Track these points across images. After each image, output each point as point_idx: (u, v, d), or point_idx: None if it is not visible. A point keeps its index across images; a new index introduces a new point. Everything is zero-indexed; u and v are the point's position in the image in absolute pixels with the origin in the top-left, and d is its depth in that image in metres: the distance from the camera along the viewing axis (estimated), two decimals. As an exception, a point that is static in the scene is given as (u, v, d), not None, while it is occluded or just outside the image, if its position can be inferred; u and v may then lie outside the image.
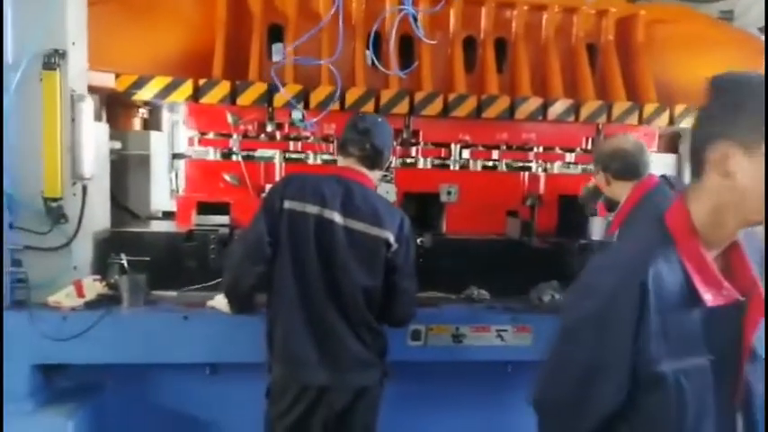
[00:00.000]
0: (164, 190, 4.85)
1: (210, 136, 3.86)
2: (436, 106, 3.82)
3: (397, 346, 3.09)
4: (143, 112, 4.77)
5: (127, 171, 4.46)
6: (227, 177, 3.73)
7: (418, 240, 3.65)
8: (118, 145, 4.30)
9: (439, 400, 3.55)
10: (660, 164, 4.94)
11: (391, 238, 2.62)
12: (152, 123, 4.91)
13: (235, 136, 3.83)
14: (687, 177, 5.12)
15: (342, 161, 2.80)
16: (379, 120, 2.81)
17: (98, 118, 4.30)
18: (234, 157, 3.85)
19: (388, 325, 2.79)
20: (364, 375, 2.69)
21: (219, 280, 3.45)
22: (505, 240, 3.88)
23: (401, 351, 3.18)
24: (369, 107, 3.72)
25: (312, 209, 2.61)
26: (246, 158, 3.86)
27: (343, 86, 3.68)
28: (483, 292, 3.65)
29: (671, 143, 5.18)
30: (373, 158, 2.74)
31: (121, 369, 3.24)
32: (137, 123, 4.74)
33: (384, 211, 2.66)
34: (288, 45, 3.85)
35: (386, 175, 3.86)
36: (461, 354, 3.31)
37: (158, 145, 4.68)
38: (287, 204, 2.63)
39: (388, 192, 3.78)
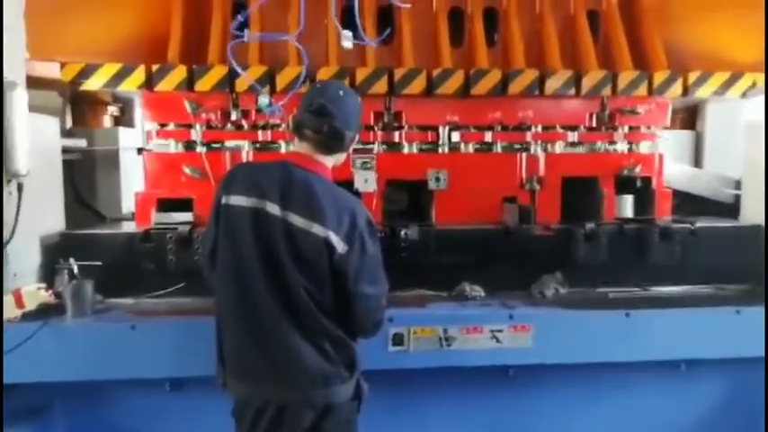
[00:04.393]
0: (137, 189, 4.55)
1: (171, 127, 3.52)
2: (419, 84, 3.44)
3: (376, 353, 2.74)
4: (113, 109, 4.47)
5: (94, 170, 4.17)
6: (187, 170, 3.38)
7: (402, 233, 3.28)
8: (82, 143, 4.02)
9: (430, 412, 3.14)
10: (676, 142, 4.54)
11: (334, 239, 2.17)
12: (125, 122, 4.61)
13: (197, 126, 3.48)
14: (707, 157, 4.74)
15: (296, 144, 2.41)
16: (341, 93, 2.36)
17: (62, 116, 4.03)
18: (198, 148, 3.50)
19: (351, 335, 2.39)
20: (328, 392, 2.29)
21: (183, 285, 3.14)
22: (502, 229, 3.47)
23: (381, 358, 2.82)
24: (342, 87, 3.34)
25: (249, 201, 2.24)
26: (212, 149, 3.51)
27: (313, 65, 3.30)
28: (477, 288, 3.24)
29: (688, 120, 4.75)
30: (330, 142, 2.33)
31: (71, 387, 2.89)
32: (107, 122, 4.44)
33: (329, 204, 2.20)
34: (252, 24, 3.48)
35: (365, 162, 3.49)
36: (451, 359, 2.90)
37: (129, 142, 4.37)
38: (224, 200, 2.29)
39: (368, 180, 3.41)
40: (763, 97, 3.86)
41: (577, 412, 3.21)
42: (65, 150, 3.62)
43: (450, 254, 3.35)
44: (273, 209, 2.22)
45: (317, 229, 2.18)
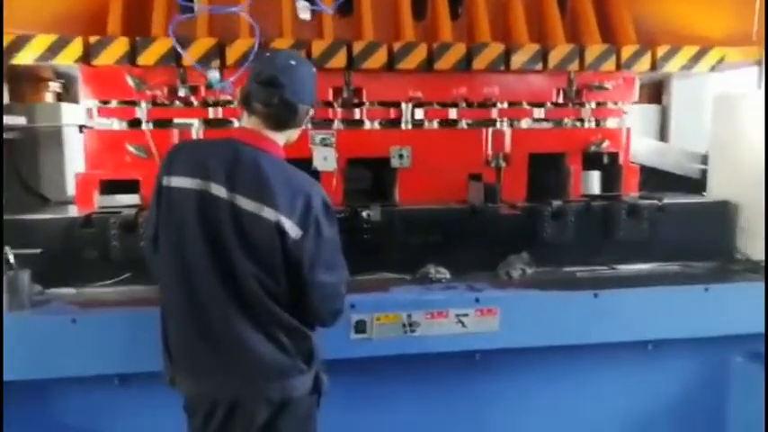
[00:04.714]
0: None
1: (114, 105, 3.28)
2: (379, 58, 3.26)
3: (338, 341, 2.62)
4: (54, 85, 4.17)
5: (36, 150, 3.89)
6: (131, 149, 3.16)
7: (364, 214, 3.13)
8: (21, 120, 3.73)
9: (396, 400, 3.01)
10: (642, 117, 4.47)
11: (286, 223, 2.02)
12: (68, 101, 4.32)
13: (143, 104, 3.25)
14: (672, 131, 4.68)
15: (245, 119, 2.23)
16: (292, 62, 2.18)
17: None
18: (143, 126, 3.28)
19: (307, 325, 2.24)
20: (285, 385, 2.15)
21: (128, 275, 2.94)
22: (467, 208, 3.34)
23: (343, 347, 2.69)
24: (298, 60, 3.14)
25: (193, 183, 2.06)
26: (159, 125, 3.30)
27: (266, 38, 3.10)
28: (442, 270, 3.11)
29: (653, 94, 4.68)
30: (281, 116, 2.16)
31: (17, 385, 2.68)
32: (48, 99, 4.15)
33: (280, 186, 2.04)
34: (201, -9, 3.25)
35: (325, 139, 3.31)
36: (415, 345, 2.78)
37: (73, 118, 4.08)
38: (166, 182, 2.12)
39: (327, 158, 3.24)
40: (730, 72, 3.81)
41: (546, 395, 3.12)
42: (3, 129, 3.36)
43: (414, 235, 3.23)
44: (219, 191, 2.05)
45: (267, 212, 2.03)
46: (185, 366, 2.19)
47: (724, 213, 3.54)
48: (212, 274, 2.06)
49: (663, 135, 4.67)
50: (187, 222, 2.07)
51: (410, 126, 3.53)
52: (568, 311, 2.89)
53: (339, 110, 3.44)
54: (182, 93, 3.22)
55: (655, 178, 4.10)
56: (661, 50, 3.51)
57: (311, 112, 2.28)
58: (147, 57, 3.08)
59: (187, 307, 2.11)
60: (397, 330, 2.75)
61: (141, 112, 3.25)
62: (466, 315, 2.80)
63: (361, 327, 2.72)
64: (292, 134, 2.27)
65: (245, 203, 2.03)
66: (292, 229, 2.03)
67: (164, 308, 2.22)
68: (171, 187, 2.10)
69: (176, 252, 2.10)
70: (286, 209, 2.03)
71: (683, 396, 3.24)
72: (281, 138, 2.22)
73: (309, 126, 3.42)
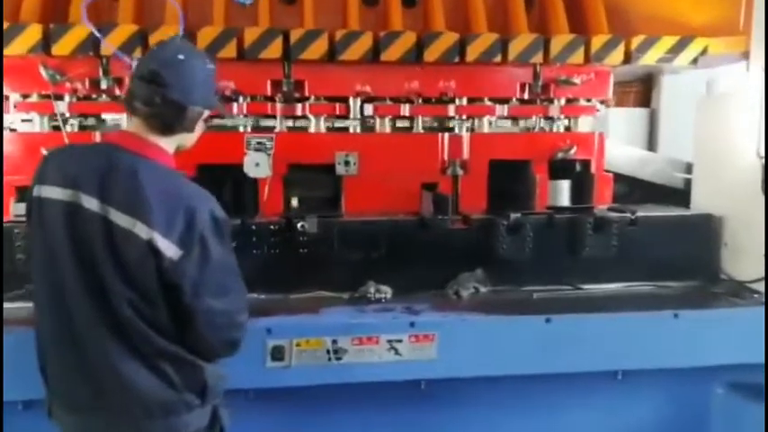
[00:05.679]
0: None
1: (34, 99, 3.01)
2: (319, 47, 2.95)
3: (251, 369, 2.36)
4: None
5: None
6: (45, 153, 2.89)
7: (298, 225, 2.84)
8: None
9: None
10: (628, 121, 4.15)
11: (160, 242, 1.76)
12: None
13: (67, 97, 2.98)
14: (661, 137, 4.33)
15: (128, 121, 1.97)
16: (181, 56, 1.90)
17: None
18: (68, 127, 3.02)
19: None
20: (170, 423, 1.89)
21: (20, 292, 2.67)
22: (415, 220, 3.02)
23: (257, 376, 2.42)
24: (228, 51, 2.85)
25: (64, 194, 1.81)
26: (84, 128, 3.04)
27: (194, 25, 2.83)
28: (384, 288, 2.82)
29: (643, 96, 4.35)
30: (166, 119, 1.88)
31: None
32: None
33: (157, 198, 1.79)
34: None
35: (260, 143, 3.02)
36: (340, 375, 2.48)
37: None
38: (37, 191, 1.88)
39: (259, 164, 2.94)
40: (722, 69, 3.45)
41: (506, 429, 2.83)
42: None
43: (355, 249, 2.92)
44: (90, 203, 1.80)
45: (139, 228, 1.76)
46: (61, 399, 1.95)
47: (707, 228, 3.19)
48: (85, 297, 1.81)
49: (651, 141, 4.33)
50: (57, 238, 1.82)
51: (359, 125, 3.23)
52: (516, 338, 2.57)
53: (280, 105, 3.14)
54: (104, 85, 2.94)
55: (639, 189, 3.75)
56: (636, 41, 3.15)
57: (205, 113, 1.99)
58: (63, 46, 2.80)
59: (61, 333, 1.87)
60: (321, 358, 2.46)
61: (63, 106, 2.98)
62: (399, 341, 2.49)
63: (278, 353, 2.42)
64: (185, 139, 2.00)
65: (118, 218, 1.78)
66: (169, 248, 1.77)
67: (38, 332, 1.97)
68: (42, 198, 1.86)
69: (47, 271, 1.86)
70: (161, 225, 1.76)
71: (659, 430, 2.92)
72: (170, 143, 1.95)
73: (248, 128, 3.16)
